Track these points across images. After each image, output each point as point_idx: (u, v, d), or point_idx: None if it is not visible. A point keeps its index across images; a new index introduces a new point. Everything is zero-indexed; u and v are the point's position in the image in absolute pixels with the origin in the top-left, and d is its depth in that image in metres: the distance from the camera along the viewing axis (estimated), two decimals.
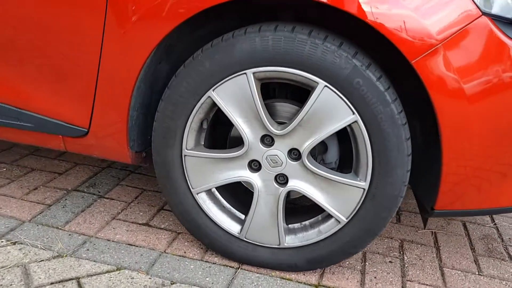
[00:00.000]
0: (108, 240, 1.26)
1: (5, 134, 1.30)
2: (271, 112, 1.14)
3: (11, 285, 1.05)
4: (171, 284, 1.11)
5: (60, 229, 1.29)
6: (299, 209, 1.25)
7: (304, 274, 1.19)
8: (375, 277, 1.21)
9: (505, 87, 0.98)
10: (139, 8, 1.05)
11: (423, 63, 0.96)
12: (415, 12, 0.94)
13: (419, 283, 1.20)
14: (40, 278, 1.08)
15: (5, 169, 1.61)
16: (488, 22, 0.95)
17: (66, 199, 1.45)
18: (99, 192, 1.52)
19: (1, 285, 1.04)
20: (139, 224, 1.36)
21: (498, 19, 0.97)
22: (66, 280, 1.08)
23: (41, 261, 1.14)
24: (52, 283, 1.06)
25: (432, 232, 1.45)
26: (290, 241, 1.17)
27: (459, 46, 0.95)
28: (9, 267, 1.11)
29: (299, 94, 1.19)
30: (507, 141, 1.03)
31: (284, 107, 1.16)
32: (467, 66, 0.97)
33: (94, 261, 1.17)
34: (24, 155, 1.75)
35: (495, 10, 0.97)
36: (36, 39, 1.16)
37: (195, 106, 1.11)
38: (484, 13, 0.96)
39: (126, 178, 1.64)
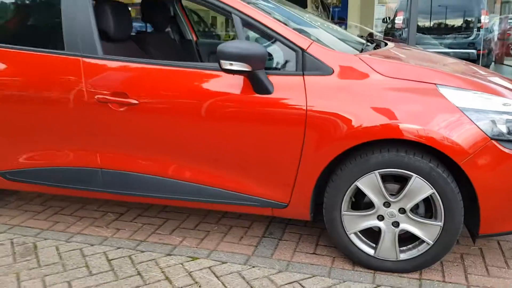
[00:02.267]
0: (299, 263, 2.34)
1: (227, 208, 2.42)
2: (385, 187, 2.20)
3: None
4: (344, 281, 2.16)
5: (270, 258, 2.38)
6: (405, 237, 2.28)
7: (411, 274, 2.22)
8: (450, 273, 2.23)
9: (501, 170, 2.03)
10: (327, 142, 2.14)
11: (464, 160, 2.02)
12: (461, 142, 2.01)
13: (474, 275, 2.22)
14: (280, 280, 2.16)
15: (216, 228, 2.74)
16: (494, 143, 2.02)
17: (263, 242, 2.55)
18: (277, 237, 2.61)
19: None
20: (310, 253, 2.44)
21: (499, 140, 2.04)
22: (291, 282, 2.15)
23: (275, 273, 2.22)
24: (281, 285, 2.14)
25: (479, 248, 2.47)
26: (402, 256, 2.21)
27: (482, 155, 2.02)
28: (257, 279, 2.19)
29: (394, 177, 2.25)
30: (505, 193, 2.07)
31: (391, 186, 2.23)
32: (486, 162, 2.03)
33: (300, 273, 2.24)
34: (219, 217, 2.87)
35: (496, 136, 2.04)
36: (263, 154, 2.26)
37: (348, 189, 2.19)
38: (491, 138, 2.02)
39: (288, 227, 2.73)
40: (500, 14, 11.23)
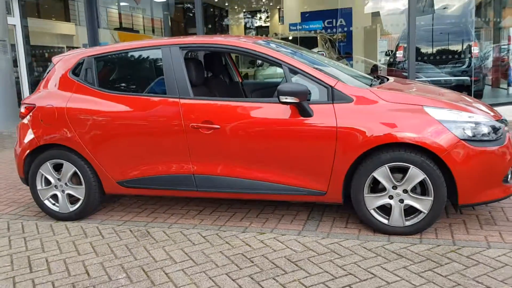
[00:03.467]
0: (336, 233, 3.36)
1: (283, 197, 3.47)
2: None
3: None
4: (368, 241, 3.18)
5: (315, 231, 3.41)
6: (408, 210, 3.30)
7: (413, 235, 3.24)
8: (441, 234, 3.24)
9: (468, 160, 3.07)
10: (351, 148, 3.20)
11: (444, 154, 3.07)
12: (441, 143, 3.07)
13: (458, 234, 3.22)
14: (324, 242, 3.18)
15: (272, 216, 3.77)
16: (464, 142, 3.07)
17: (308, 223, 3.58)
18: (318, 219, 3.64)
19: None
20: (343, 227, 3.46)
21: (466, 140, 3.09)
22: (332, 243, 3.17)
23: (321, 239, 3.25)
24: (326, 245, 3.16)
25: (463, 219, 3.48)
26: (407, 223, 3.23)
27: (455, 151, 3.06)
28: (309, 242, 3.21)
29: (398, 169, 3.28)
30: (476, 174, 3.11)
31: (396, 175, 3.26)
32: (458, 155, 3.07)
33: (338, 238, 3.26)
34: (272, 209, 3.90)
35: (465, 138, 3.09)
36: (308, 158, 3.33)
37: (367, 178, 3.23)
38: (461, 139, 3.08)
39: (324, 213, 3.76)
40: (495, 41, 12.36)
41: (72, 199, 3.94)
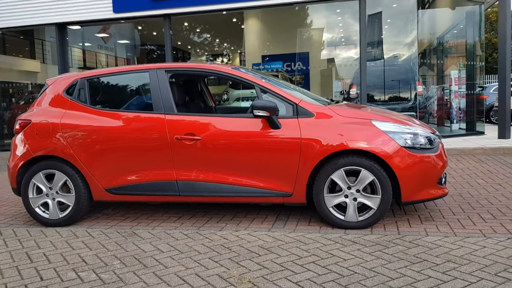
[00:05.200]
0: (301, 229, 3.90)
1: (256, 199, 4.01)
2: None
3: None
4: (328, 233, 3.74)
5: (283, 228, 3.93)
6: (361, 207, 3.90)
7: (366, 228, 3.83)
8: (388, 227, 3.85)
9: (408, 164, 3.75)
10: (313, 155, 3.81)
11: (389, 159, 3.72)
12: (386, 150, 3.73)
13: (402, 227, 3.84)
14: (291, 235, 3.72)
15: (245, 219, 4.28)
16: (404, 149, 3.75)
17: (276, 223, 4.11)
18: (284, 220, 4.18)
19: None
20: (306, 225, 4.01)
21: (406, 147, 3.77)
22: (298, 235, 3.71)
23: (288, 233, 3.78)
24: (293, 237, 3.70)
25: (407, 218, 4.12)
26: (360, 218, 3.82)
27: (397, 156, 3.73)
28: (278, 235, 3.74)
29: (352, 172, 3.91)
30: (415, 176, 3.77)
31: (350, 177, 3.87)
32: (400, 160, 3.73)
33: (303, 232, 3.80)
34: (245, 214, 4.41)
35: (405, 145, 3.77)
36: (277, 164, 3.90)
37: (326, 181, 3.83)
38: (402, 147, 3.76)
39: (290, 216, 4.30)
40: (438, 83, 13.63)
41: (62, 206, 4.30)
